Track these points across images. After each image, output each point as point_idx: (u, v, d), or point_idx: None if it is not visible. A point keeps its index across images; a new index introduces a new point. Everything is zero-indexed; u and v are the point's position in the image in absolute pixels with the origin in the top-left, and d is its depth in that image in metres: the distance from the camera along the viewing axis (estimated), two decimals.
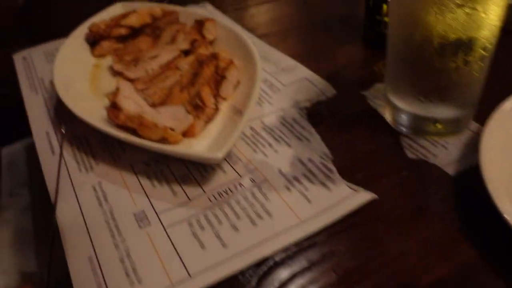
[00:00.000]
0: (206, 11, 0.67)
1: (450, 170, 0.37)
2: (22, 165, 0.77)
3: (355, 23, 0.60)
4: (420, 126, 0.39)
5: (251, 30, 0.62)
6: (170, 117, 0.39)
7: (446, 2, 0.31)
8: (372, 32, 0.54)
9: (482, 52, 0.34)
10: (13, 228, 0.65)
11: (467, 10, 0.31)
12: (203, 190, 0.36)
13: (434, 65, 0.35)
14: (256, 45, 0.55)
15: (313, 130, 0.42)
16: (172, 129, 0.38)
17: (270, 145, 0.40)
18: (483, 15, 0.31)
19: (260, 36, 0.60)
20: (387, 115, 0.42)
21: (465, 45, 0.33)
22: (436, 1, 0.31)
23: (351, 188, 0.35)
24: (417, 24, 0.33)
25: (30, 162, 0.78)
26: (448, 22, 0.32)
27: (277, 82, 0.49)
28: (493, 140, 0.35)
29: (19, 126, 0.67)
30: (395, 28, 0.37)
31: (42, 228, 0.65)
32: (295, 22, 0.64)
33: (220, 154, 0.34)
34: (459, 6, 0.31)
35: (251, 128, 0.42)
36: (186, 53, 0.51)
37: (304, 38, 0.59)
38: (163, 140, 0.39)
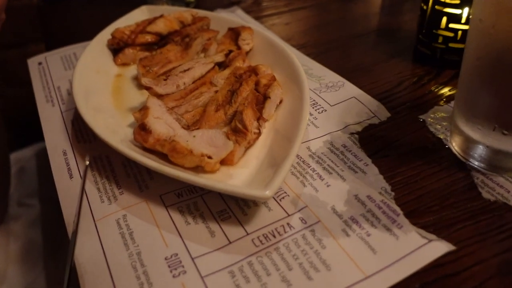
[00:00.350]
0: (237, 16, 0.62)
1: None
2: (32, 172, 0.72)
3: (402, 35, 0.54)
4: (498, 161, 0.34)
5: (285, 39, 0.57)
6: (207, 142, 0.34)
7: None
8: (427, 47, 0.48)
9: None
10: (21, 242, 0.61)
11: None
12: (245, 231, 0.31)
13: None
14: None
15: (368, 161, 0.36)
16: (209, 157, 0.33)
17: (320, 177, 0.35)
18: None
19: (296, 47, 0.55)
20: (455, 146, 0.37)
21: None
22: None
23: (422, 236, 0.30)
24: None
25: (41, 169, 0.73)
26: None
27: (322, 101, 0.43)
28: None
29: (28, 129, 0.63)
30: (478, 48, 0.31)
31: (52, 242, 0.60)
32: (335, 32, 0.59)
33: (268, 192, 0.29)
34: None
35: (297, 155, 0.37)
36: (219, 65, 0.46)
37: (346, 51, 0.54)
38: (198, 168, 0.34)
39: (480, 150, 0.34)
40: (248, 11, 0.65)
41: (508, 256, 0.29)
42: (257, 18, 0.63)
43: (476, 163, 0.35)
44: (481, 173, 0.35)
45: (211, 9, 0.62)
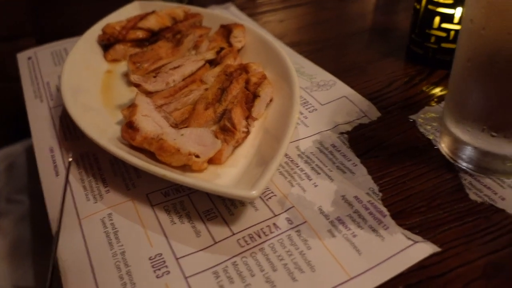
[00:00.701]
0: (231, 13, 0.61)
1: None
2: (22, 169, 0.71)
3: (396, 34, 0.54)
4: (486, 163, 0.34)
5: (279, 37, 0.56)
6: (195, 141, 0.34)
7: None
8: (420, 47, 0.48)
9: None
10: (10, 238, 0.60)
11: None
12: (231, 231, 0.31)
13: None
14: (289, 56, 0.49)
15: (357, 161, 0.36)
16: (197, 155, 0.33)
17: (308, 177, 0.35)
18: None
19: (290, 45, 0.54)
20: (444, 147, 0.37)
21: None
22: None
23: (408, 237, 0.30)
24: (504, 48, 0.28)
25: (31, 166, 0.73)
26: None
27: (313, 100, 0.43)
28: None
29: (19, 124, 0.62)
30: (469, 49, 0.31)
31: (41, 239, 0.60)
32: (330, 30, 0.58)
33: (255, 193, 0.29)
34: None
35: (285, 155, 0.37)
36: (210, 62, 0.45)
37: (340, 49, 0.54)
38: (185, 167, 0.34)
39: (468, 152, 0.34)
40: (242, 8, 0.64)
41: (494, 258, 0.29)
42: (251, 15, 0.62)
43: (465, 164, 0.35)
44: (469, 174, 0.35)
45: (205, 5, 0.61)
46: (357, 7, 0.65)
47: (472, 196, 0.33)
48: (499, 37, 0.29)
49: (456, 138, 0.35)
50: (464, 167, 0.35)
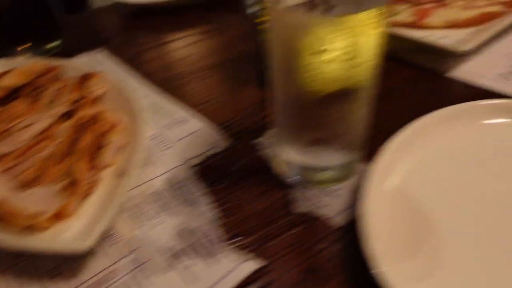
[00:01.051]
0: (101, 59, 0.63)
1: (341, 220, 0.36)
2: None
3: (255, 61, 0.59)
4: (310, 175, 0.39)
5: (149, 76, 0.59)
6: (39, 199, 0.35)
7: (313, 60, 0.30)
8: (262, 74, 0.53)
9: (363, 98, 0.34)
10: None
11: (338, 65, 0.30)
12: (78, 282, 0.32)
13: (316, 117, 0.34)
14: (150, 96, 0.52)
15: (203, 192, 0.40)
16: (41, 215, 0.34)
17: (156, 215, 0.37)
18: (357, 67, 0.31)
19: (158, 82, 0.57)
20: (277, 167, 0.41)
21: (344, 96, 0.33)
22: (303, 59, 0.31)
23: (239, 257, 0.33)
24: (292, 78, 0.33)
25: None
26: (321, 77, 0.31)
27: (170, 137, 0.46)
28: (373, 193, 0.35)
29: None
30: (276, 79, 0.36)
31: None
32: (196, 63, 0.62)
33: (86, 244, 0.31)
34: (329, 62, 0.30)
35: (137, 196, 0.39)
36: (68, 114, 0.47)
37: (203, 82, 0.58)
38: (32, 228, 0.35)
39: (295, 168, 0.39)
40: (115, 50, 0.66)
41: (310, 263, 0.33)
42: (125, 57, 0.64)
43: (295, 179, 0.40)
44: (298, 188, 0.39)
45: (73, 53, 0.62)
46: (224, 38, 0.70)
47: (300, 209, 0.38)
48: (281, 71, 0.34)
49: (284, 158, 0.39)
50: (295, 182, 0.40)
